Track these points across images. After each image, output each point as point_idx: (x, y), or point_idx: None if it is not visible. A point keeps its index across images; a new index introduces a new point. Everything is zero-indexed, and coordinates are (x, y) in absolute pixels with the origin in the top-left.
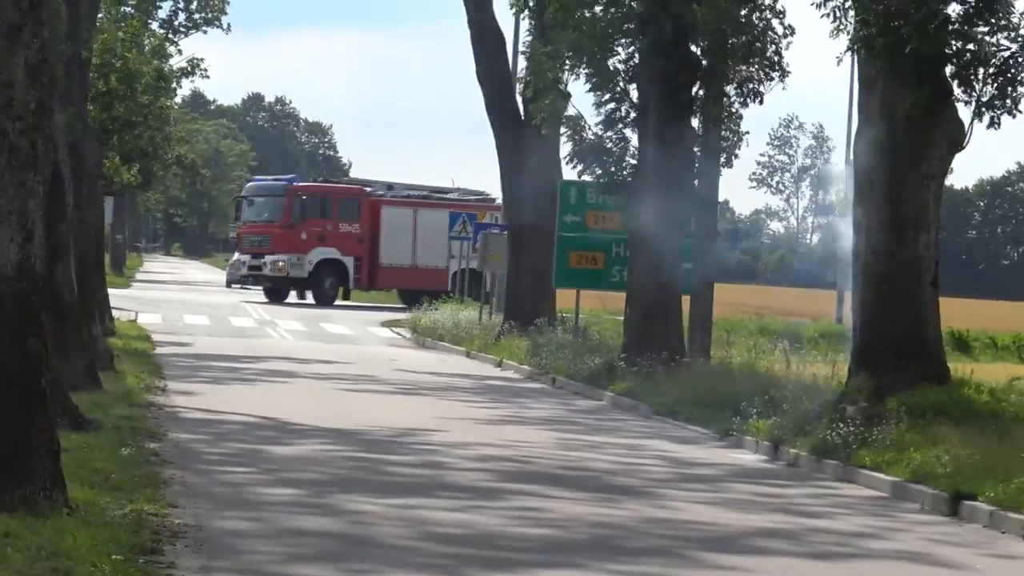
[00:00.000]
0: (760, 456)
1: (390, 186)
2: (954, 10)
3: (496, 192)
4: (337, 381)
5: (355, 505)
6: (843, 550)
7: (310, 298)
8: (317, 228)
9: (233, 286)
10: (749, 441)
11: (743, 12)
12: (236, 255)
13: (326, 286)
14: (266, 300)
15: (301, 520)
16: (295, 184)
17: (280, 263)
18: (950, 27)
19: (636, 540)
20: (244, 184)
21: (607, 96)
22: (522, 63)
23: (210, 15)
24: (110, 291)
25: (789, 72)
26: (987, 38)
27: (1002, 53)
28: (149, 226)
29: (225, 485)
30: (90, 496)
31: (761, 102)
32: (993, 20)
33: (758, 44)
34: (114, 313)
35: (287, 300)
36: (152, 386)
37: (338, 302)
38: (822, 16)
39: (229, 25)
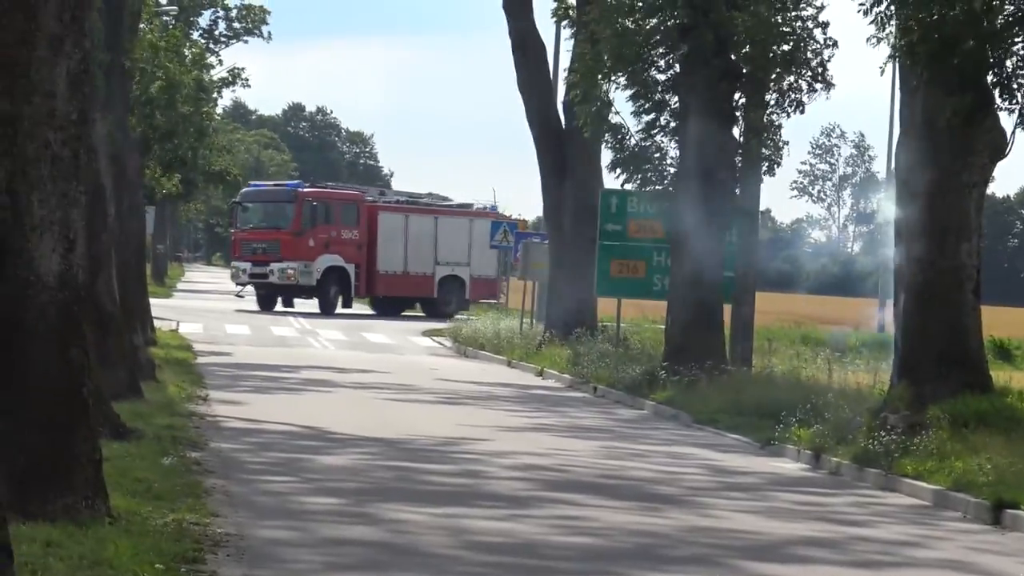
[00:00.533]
0: (801, 465)
1: (382, 192)
2: (999, 18)
3: (516, 206)
4: (378, 390)
5: (396, 514)
6: (885, 559)
7: (301, 306)
8: (323, 235)
9: (240, 291)
10: (790, 450)
11: (784, 20)
12: (232, 262)
13: (331, 294)
14: (257, 308)
15: (342, 529)
16: (302, 189)
17: (290, 271)
18: (997, 35)
19: (678, 549)
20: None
21: (647, 104)
22: (562, 72)
23: (251, 24)
24: (151, 301)
25: (833, 85)
26: None
27: None
28: (190, 236)
29: (266, 494)
30: (132, 505)
31: (803, 112)
32: None
33: (800, 53)
34: (155, 323)
35: (276, 308)
36: (193, 395)
37: (339, 309)
38: (869, 23)
39: (270, 34)
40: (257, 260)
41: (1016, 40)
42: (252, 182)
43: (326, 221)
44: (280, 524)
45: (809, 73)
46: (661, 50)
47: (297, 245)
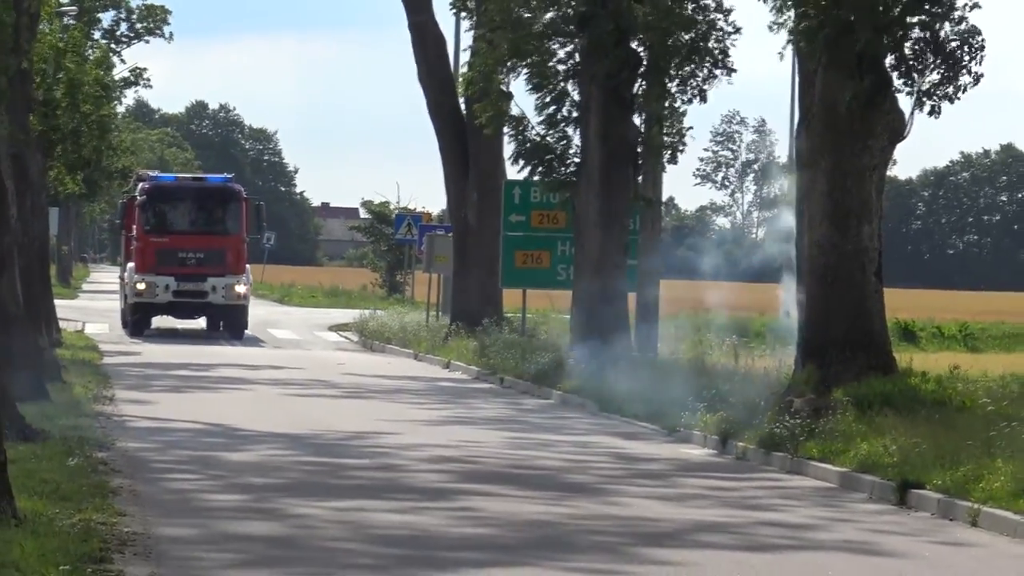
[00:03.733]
0: (708, 450)
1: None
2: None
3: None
4: (287, 386)
5: (302, 509)
6: (789, 542)
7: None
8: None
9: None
10: (697, 435)
11: (687, 11)
12: (134, 275)
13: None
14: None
15: (246, 525)
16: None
17: (238, 287)
18: (893, 16)
19: (582, 537)
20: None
21: (547, 96)
22: (463, 64)
23: (152, 24)
24: (56, 302)
25: (735, 70)
26: (933, 28)
27: (951, 43)
28: (95, 236)
29: (173, 493)
30: (38, 507)
31: (705, 100)
32: (934, 11)
33: (702, 43)
34: (61, 324)
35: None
36: (100, 396)
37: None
38: (771, 10)
39: (171, 34)
40: (184, 274)
41: (912, 23)
42: (154, 173)
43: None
44: (186, 522)
45: (710, 61)
46: (560, 40)
47: (242, 254)
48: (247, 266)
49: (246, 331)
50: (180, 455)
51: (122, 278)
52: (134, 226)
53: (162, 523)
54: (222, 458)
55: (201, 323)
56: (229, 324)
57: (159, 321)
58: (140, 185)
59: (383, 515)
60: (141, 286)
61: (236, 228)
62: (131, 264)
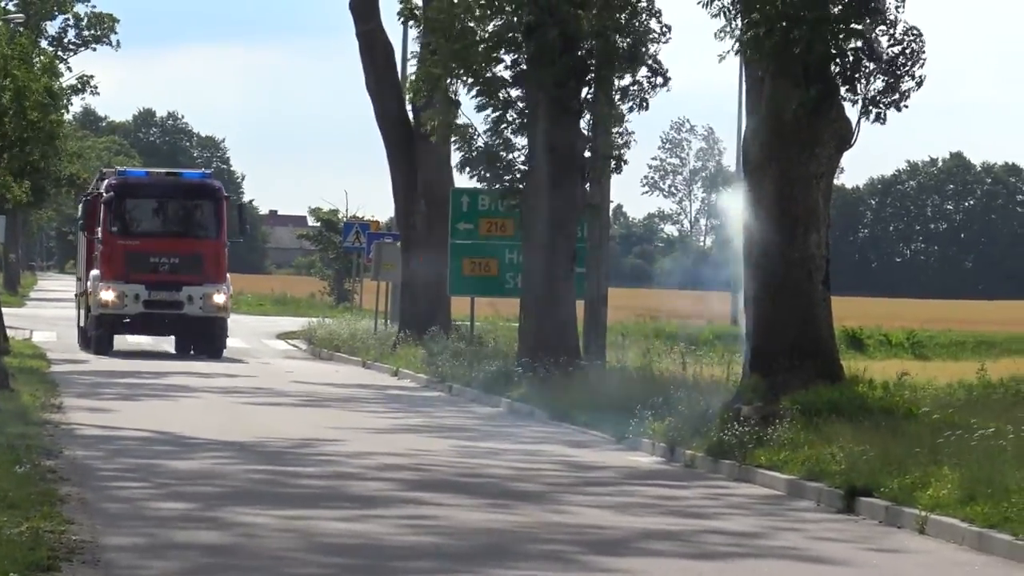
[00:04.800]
0: (656, 458)
1: None
2: (835, 8)
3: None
4: (236, 395)
5: (247, 517)
6: (736, 550)
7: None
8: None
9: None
10: (646, 443)
11: (623, 16)
12: (99, 284)
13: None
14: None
15: (194, 534)
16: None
17: (217, 297)
18: (836, 26)
19: (527, 545)
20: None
21: (492, 103)
22: (410, 72)
23: (100, 32)
24: (4, 310)
25: (670, 78)
26: (870, 36)
27: (891, 49)
28: (43, 244)
29: (121, 501)
30: None
31: (646, 108)
32: (871, 19)
33: (642, 48)
34: (8, 332)
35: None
36: (48, 404)
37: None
38: (712, 16)
39: (119, 42)
40: (158, 281)
41: (855, 29)
42: (122, 168)
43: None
44: (134, 530)
45: (646, 70)
46: (506, 48)
47: (221, 259)
48: (227, 274)
49: (224, 349)
50: (128, 463)
51: (80, 294)
52: (99, 228)
53: (110, 531)
54: (170, 466)
55: (168, 344)
56: (206, 340)
57: (120, 342)
58: (106, 181)
59: (330, 523)
60: (108, 295)
61: (215, 230)
62: (95, 271)
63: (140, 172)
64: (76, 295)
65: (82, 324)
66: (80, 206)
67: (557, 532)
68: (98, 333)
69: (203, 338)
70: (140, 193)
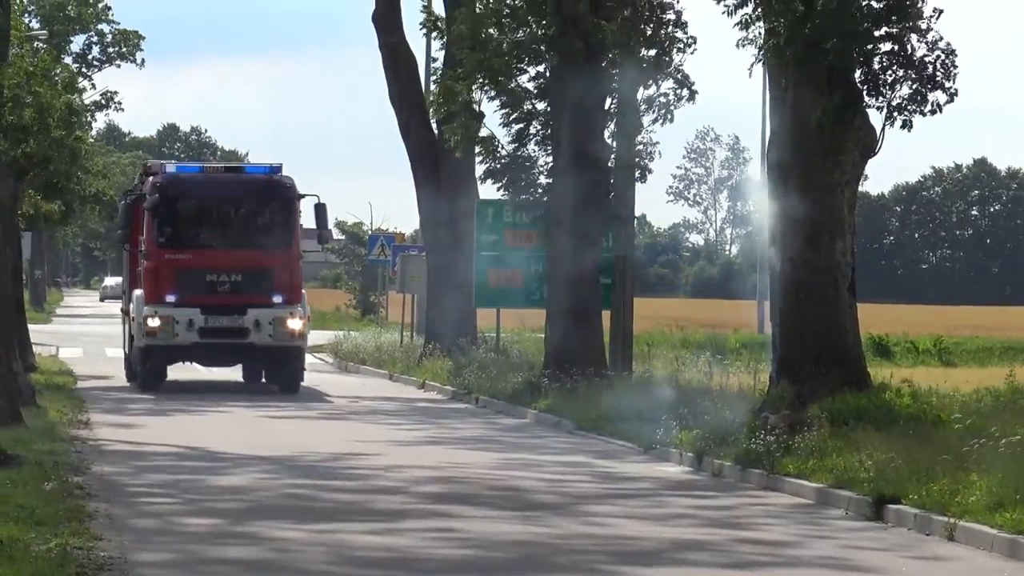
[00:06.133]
0: (684, 468)
1: None
2: (868, 10)
3: None
4: (263, 408)
5: (279, 532)
6: (766, 559)
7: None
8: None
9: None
10: (673, 453)
11: (649, 27)
12: (144, 308)
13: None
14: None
15: (224, 550)
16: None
17: (292, 322)
18: (866, 28)
19: (558, 557)
20: (140, 169)
21: (517, 114)
22: (433, 84)
23: (126, 49)
24: (30, 327)
25: (696, 92)
26: (903, 39)
27: (917, 55)
28: (69, 260)
29: (150, 516)
30: (14, 532)
31: (672, 120)
32: (905, 22)
33: (666, 58)
34: (35, 348)
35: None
36: (75, 420)
37: None
38: (734, 26)
39: (143, 60)
40: (217, 304)
41: (881, 35)
42: (171, 164)
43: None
44: (163, 546)
45: (672, 81)
46: (530, 60)
47: (295, 271)
48: (303, 291)
49: (302, 383)
50: (157, 479)
51: (125, 311)
52: (142, 238)
53: (139, 548)
54: (199, 481)
55: (236, 373)
56: (279, 373)
57: (174, 370)
58: (150, 180)
59: (362, 537)
60: (154, 322)
61: (288, 239)
62: (138, 291)
63: (193, 167)
64: (122, 311)
65: (127, 351)
66: (120, 210)
67: (590, 543)
68: (145, 367)
69: (274, 370)
70: (193, 194)
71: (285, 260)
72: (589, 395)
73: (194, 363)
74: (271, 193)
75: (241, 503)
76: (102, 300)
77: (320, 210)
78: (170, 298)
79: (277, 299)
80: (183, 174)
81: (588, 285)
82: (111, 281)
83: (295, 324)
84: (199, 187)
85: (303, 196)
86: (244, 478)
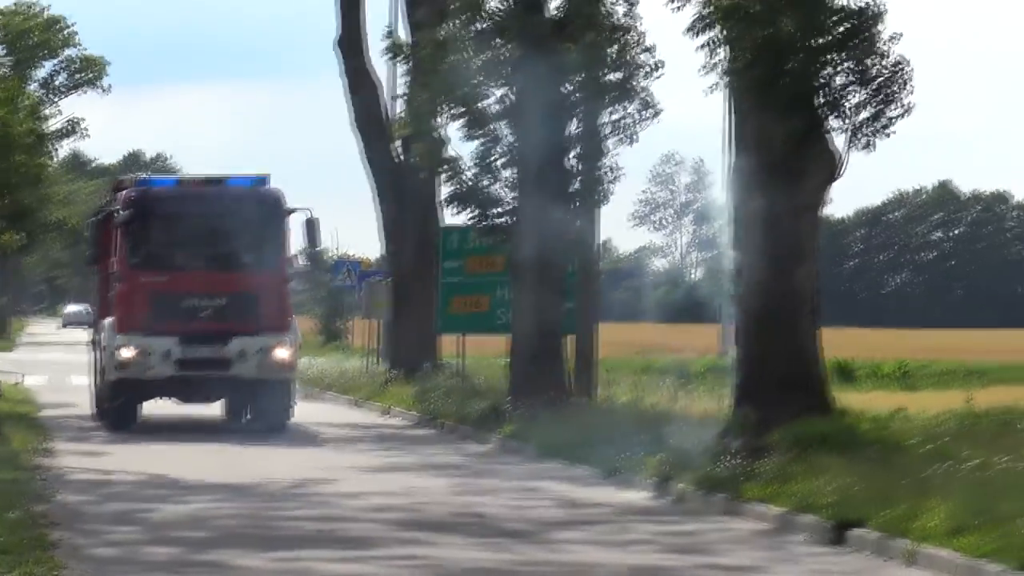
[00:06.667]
0: (647, 493)
1: None
2: (826, 38)
3: None
4: (229, 435)
5: (241, 560)
6: None
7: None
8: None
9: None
10: (636, 479)
11: (613, 49)
12: (116, 338)
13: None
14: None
15: None
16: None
17: (280, 351)
18: (827, 56)
19: None
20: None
21: (481, 135)
22: (398, 109)
23: (91, 76)
24: None
25: (661, 111)
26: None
27: (878, 79)
28: (31, 289)
29: (112, 545)
30: None
31: (636, 140)
32: (862, 49)
33: (631, 83)
34: None
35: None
36: (39, 448)
37: None
38: (697, 49)
39: (109, 86)
40: (197, 332)
41: (842, 58)
42: (144, 176)
43: None
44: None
45: (637, 103)
46: (494, 83)
47: (285, 296)
48: (292, 318)
49: (290, 420)
50: (120, 507)
51: (94, 341)
52: (113, 259)
53: None
54: (162, 510)
55: (216, 408)
56: (264, 408)
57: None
58: (122, 194)
59: (327, 565)
60: (127, 353)
61: (275, 258)
62: (108, 319)
63: (168, 180)
64: (90, 343)
65: (96, 385)
66: (88, 228)
67: (552, 570)
68: (115, 403)
69: (259, 405)
70: (169, 209)
71: (273, 282)
72: (553, 421)
73: (171, 399)
74: (257, 207)
75: (204, 532)
76: (64, 326)
77: (311, 226)
78: (145, 326)
79: (264, 326)
80: (157, 187)
81: (551, 310)
82: (72, 308)
83: (284, 353)
84: (176, 202)
85: (293, 210)
86: (207, 506)
